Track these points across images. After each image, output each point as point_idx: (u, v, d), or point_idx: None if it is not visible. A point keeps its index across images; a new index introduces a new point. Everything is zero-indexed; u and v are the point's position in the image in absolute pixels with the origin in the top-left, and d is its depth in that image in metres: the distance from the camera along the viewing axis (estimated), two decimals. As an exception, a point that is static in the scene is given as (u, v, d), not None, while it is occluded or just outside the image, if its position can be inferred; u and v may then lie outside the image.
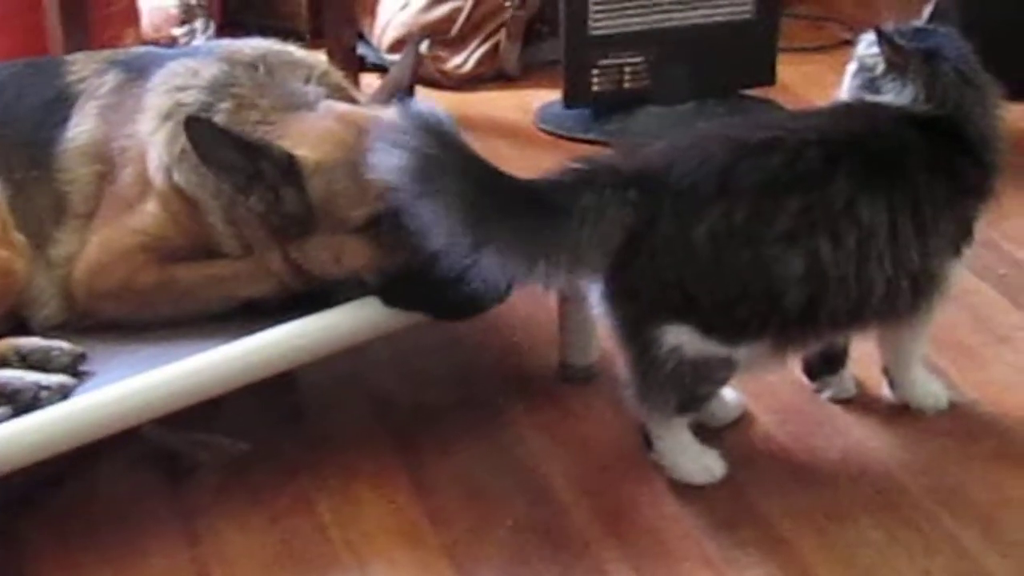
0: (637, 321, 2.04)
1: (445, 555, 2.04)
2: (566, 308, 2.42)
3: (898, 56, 2.15)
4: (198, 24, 4.19)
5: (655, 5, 3.57)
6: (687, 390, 2.08)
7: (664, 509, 2.12)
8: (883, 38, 2.15)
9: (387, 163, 1.96)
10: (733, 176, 1.99)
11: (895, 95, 2.16)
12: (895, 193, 2.05)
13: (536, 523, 2.10)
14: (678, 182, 1.99)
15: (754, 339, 2.04)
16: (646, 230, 1.98)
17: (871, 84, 2.19)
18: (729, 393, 2.28)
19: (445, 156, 1.96)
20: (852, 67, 2.24)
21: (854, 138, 2.08)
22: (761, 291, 2.00)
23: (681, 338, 2.01)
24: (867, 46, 2.21)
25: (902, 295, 2.09)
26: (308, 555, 2.06)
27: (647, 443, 2.17)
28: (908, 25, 2.22)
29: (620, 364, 2.12)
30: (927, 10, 2.25)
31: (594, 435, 2.32)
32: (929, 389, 2.31)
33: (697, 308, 2.00)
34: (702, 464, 2.16)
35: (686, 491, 2.14)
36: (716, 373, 2.09)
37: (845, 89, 2.24)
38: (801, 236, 1.99)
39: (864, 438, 2.27)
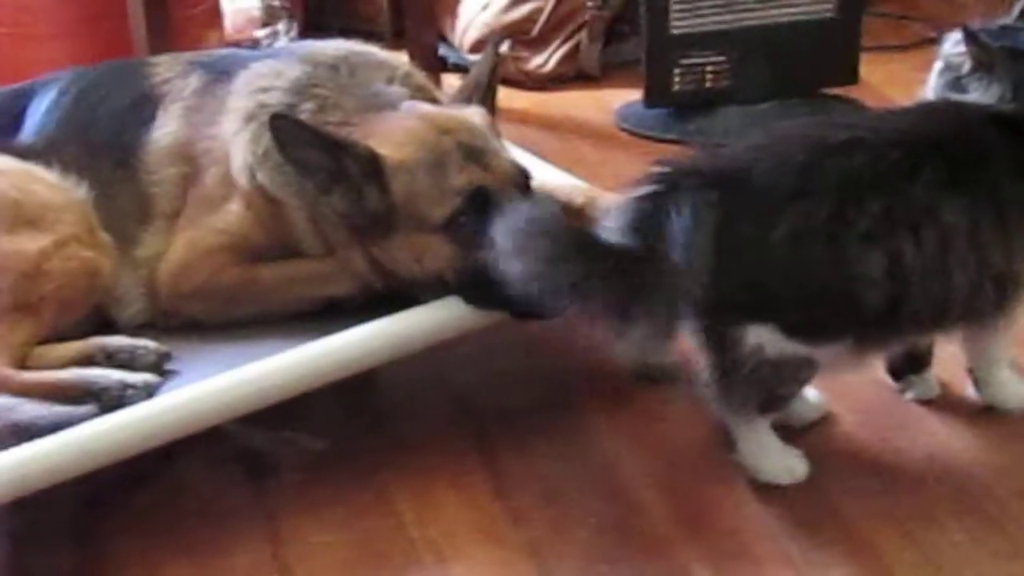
0: (718, 321, 2.03)
1: (526, 554, 2.04)
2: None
3: (985, 55, 2.12)
4: (280, 26, 4.22)
5: (736, 4, 3.55)
6: (769, 390, 2.07)
7: (745, 509, 2.11)
8: (970, 37, 2.13)
9: (514, 270, 1.97)
10: (814, 176, 1.98)
11: (981, 94, 2.13)
12: (979, 194, 2.03)
13: (616, 522, 2.10)
14: (758, 181, 1.98)
15: (835, 339, 2.03)
16: (727, 230, 1.97)
17: (957, 83, 2.17)
18: (811, 393, 2.26)
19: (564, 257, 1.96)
20: (938, 66, 2.22)
21: (937, 138, 2.06)
22: (841, 292, 1.99)
23: (762, 338, 2.00)
24: (953, 45, 2.19)
25: (986, 296, 2.07)
26: (389, 553, 2.07)
27: (729, 443, 2.16)
28: (995, 23, 2.20)
29: (700, 364, 2.11)
30: (1016, 8, 2.23)
31: (673, 434, 2.31)
32: (1015, 390, 2.29)
33: (778, 308, 1.99)
34: (784, 464, 2.14)
35: (767, 491, 2.13)
36: (797, 373, 2.08)
37: (931, 88, 2.22)
38: (882, 237, 1.97)
39: (948, 439, 2.25)
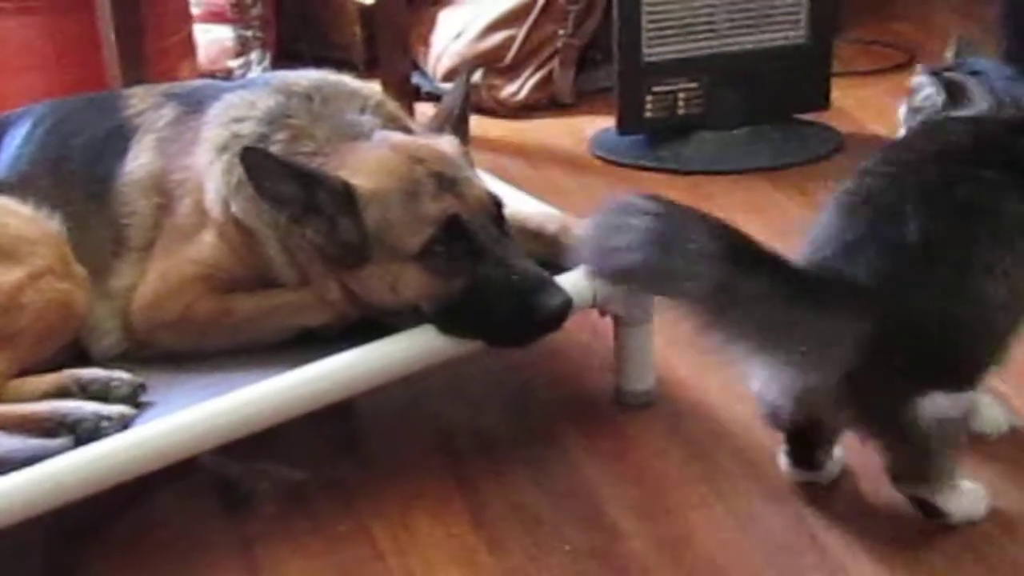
0: (892, 409, 1.98)
1: (504, 582, 2.05)
2: (622, 334, 2.42)
3: (954, 86, 2.15)
4: (254, 56, 4.23)
5: (708, 31, 3.58)
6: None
7: (722, 535, 2.11)
8: (937, 78, 2.16)
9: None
10: (952, 236, 1.95)
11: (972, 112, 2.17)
12: None
13: (594, 550, 2.10)
14: (924, 260, 1.94)
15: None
16: (891, 330, 1.91)
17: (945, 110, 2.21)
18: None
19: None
20: (909, 108, 2.25)
21: (997, 150, 2.03)
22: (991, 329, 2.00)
23: (937, 403, 1.96)
24: (921, 88, 2.23)
25: None
26: (367, 583, 2.07)
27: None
28: (946, 63, 2.27)
29: (881, 456, 2.07)
30: (950, 50, 2.28)
31: (651, 461, 2.31)
32: (991, 414, 2.29)
33: (954, 370, 1.98)
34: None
35: (744, 517, 2.13)
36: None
37: (904, 123, 2.25)
38: (998, 260, 1.96)
39: (924, 463, 2.25)
